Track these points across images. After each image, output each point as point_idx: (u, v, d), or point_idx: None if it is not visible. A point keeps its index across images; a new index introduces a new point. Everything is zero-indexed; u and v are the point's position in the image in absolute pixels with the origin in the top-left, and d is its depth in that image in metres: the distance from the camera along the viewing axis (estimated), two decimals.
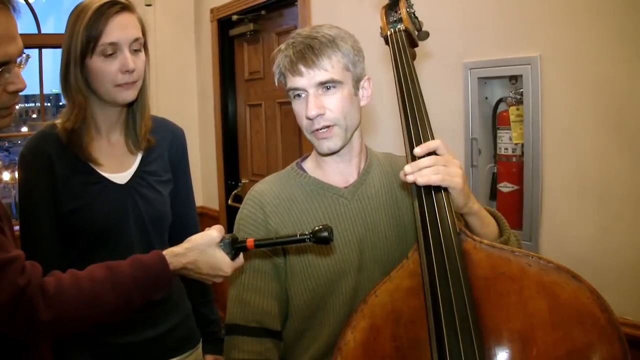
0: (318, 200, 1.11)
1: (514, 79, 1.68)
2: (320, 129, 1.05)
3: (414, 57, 1.12)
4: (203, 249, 0.97)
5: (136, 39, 1.17)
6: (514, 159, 1.69)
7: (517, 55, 1.61)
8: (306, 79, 1.03)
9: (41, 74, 3.20)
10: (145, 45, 1.21)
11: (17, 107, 0.97)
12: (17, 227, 1.12)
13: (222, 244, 0.99)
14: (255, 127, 3.14)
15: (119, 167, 1.24)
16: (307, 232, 0.95)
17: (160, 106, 2.97)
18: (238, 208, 1.17)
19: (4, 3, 0.84)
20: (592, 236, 1.47)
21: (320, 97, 1.04)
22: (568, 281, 0.80)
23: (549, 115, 1.56)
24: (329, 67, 1.03)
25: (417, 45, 1.18)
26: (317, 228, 0.94)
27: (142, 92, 1.24)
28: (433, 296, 0.83)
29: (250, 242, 0.98)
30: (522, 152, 1.65)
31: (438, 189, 0.91)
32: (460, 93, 1.79)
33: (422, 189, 0.92)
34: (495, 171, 1.77)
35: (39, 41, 3.11)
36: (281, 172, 1.18)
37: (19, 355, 0.97)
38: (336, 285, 1.08)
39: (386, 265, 1.08)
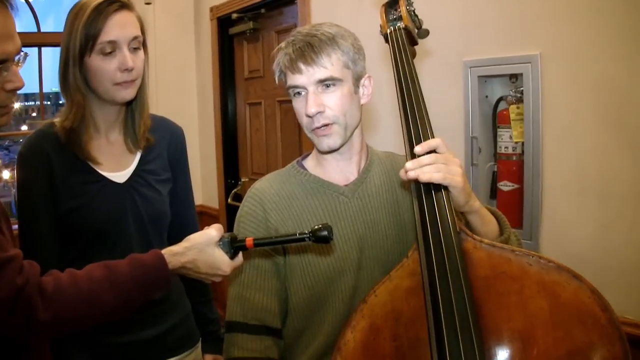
0: (318, 198, 1.10)
1: (514, 77, 1.68)
2: (320, 127, 1.05)
3: (413, 55, 1.11)
4: (202, 248, 0.97)
5: (135, 37, 1.16)
6: (514, 158, 1.69)
7: (517, 54, 1.61)
8: (306, 76, 1.03)
9: (41, 72, 3.19)
10: (144, 44, 1.21)
11: (17, 105, 0.97)
12: (15, 226, 1.12)
13: (221, 243, 0.99)
14: (255, 126, 3.13)
15: (117, 166, 1.24)
16: (306, 231, 0.95)
17: (159, 105, 2.97)
18: (238, 207, 1.17)
19: (1, 1, 0.83)
20: (592, 235, 1.47)
21: (319, 94, 1.04)
22: (569, 281, 0.80)
23: (549, 113, 1.55)
24: (328, 65, 1.03)
25: (417, 44, 1.17)
26: (316, 227, 0.94)
27: (141, 91, 1.23)
28: (433, 295, 0.83)
29: (249, 241, 0.98)
30: (523, 151, 1.65)
31: (438, 187, 0.91)
32: (461, 91, 1.79)
33: (422, 187, 0.92)
34: (496, 170, 1.77)
35: (38, 40, 3.10)
36: (281, 170, 1.18)
37: (18, 355, 0.97)
38: (335, 284, 1.08)
39: (386, 264, 1.08)
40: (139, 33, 1.18)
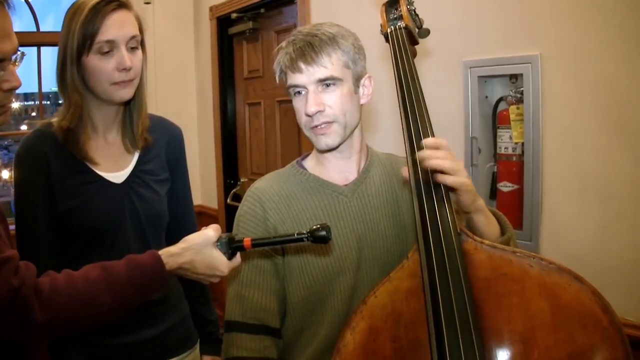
0: (318, 197, 1.10)
1: (514, 77, 1.67)
2: (319, 125, 1.05)
3: (414, 54, 1.11)
4: (199, 249, 0.96)
5: (133, 37, 1.15)
6: (514, 158, 1.69)
7: (517, 54, 1.61)
8: (306, 75, 1.04)
9: (40, 72, 3.19)
10: (142, 43, 1.20)
11: (16, 105, 0.96)
12: (13, 226, 1.11)
13: (218, 243, 0.98)
14: (255, 126, 3.13)
15: (115, 166, 1.23)
16: (304, 232, 0.95)
17: (159, 105, 2.96)
18: (237, 207, 1.16)
19: None
20: (592, 236, 1.47)
21: (319, 94, 1.04)
22: (570, 282, 0.80)
23: (549, 114, 1.55)
24: (328, 64, 1.03)
25: (417, 43, 1.17)
26: (315, 227, 0.94)
27: (139, 91, 1.23)
28: (433, 296, 0.82)
29: (247, 241, 0.98)
30: (523, 151, 1.64)
31: (438, 186, 0.91)
32: (460, 92, 1.78)
33: (422, 186, 0.92)
34: (495, 170, 1.76)
35: (37, 39, 3.10)
36: (281, 170, 1.18)
37: (14, 356, 0.97)
38: (334, 283, 1.08)
39: (385, 265, 1.08)
40: (137, 32, 1.17)
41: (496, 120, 1.75)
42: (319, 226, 0.94)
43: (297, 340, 1.11)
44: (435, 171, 0.91)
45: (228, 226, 1.20)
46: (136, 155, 1.26)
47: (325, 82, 1.04)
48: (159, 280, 0.95)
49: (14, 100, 0.96)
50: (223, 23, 3.19)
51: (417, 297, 0.87)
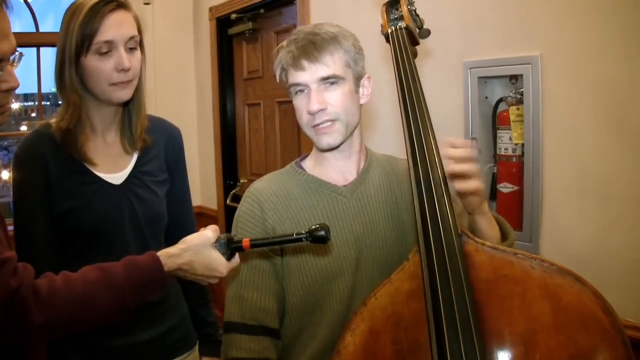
0: (316, 197, 1.10)
1: (514, 78, 1.67)
2: (321, 124, 1.05)
3: (415, 55, 1.11)
4: (198, 250, 0.96)
5: (132, 37, 1.15)
6: (514, 159, 1.68)
7: (517, 55, 1.60)
8: (308, 73, 1.04)
9: (39, 72, 3.19)
10: (141, 44, 1.20)
11: (16, 106, 0.96)
12: (11, 227, 1.11)
13: (217, 244, 0.98)
14: (254, 127, 3.12)
15: (114, 167, 1.23)
16: (303, 232, 0.94)
17: (158, 105, 2.96)
18: (236, 208, 1.16)
19: None
20: (592, 236, 1.46)
21: (322, 92, 1.05)
22: (572, 284, 0.79)
23: (549, 115, 1.55)
24: (330, 62, 1.04)
25: (418, 43, 1.17)
26: (314, 227, 0.94)
27: (138, 91, 1.22)
28: (434, 298, 0.82)
29: (246, 242, 0.97)
30: (523, 152, 1.64)
31: (439, 187, 0.91)
32: (460, 92, 1.78)
33: (423, 187, 0.92)
34: (495, 171, 1.76)
35: (37, 40, 3.10)
36: (280, 171, 1.18)
37: (13, 357, 0.96)
38: (333, 284, 1.08)
39: (385, 266, 1.08)
40: (136, 33, 1.17)
41: (496, 121, 1.75)
42: (318, 226, 0.93)
43: (296, 340, 1.11)
44: (455, 175, 0.92)
45: (227, 227, 1.20)
46: (135, 156, 1.26)
47: (329, 81, 1.05)
48: (158, 281, 0.94)
49: (13, 100, 0.95)
50: (222, 23, 3.19)
51: (417, 299, 0.86)
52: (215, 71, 3.24)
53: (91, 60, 1.12)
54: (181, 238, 0.99)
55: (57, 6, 3.57)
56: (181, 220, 1.34)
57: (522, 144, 1.63)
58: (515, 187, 1.67)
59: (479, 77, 1.73)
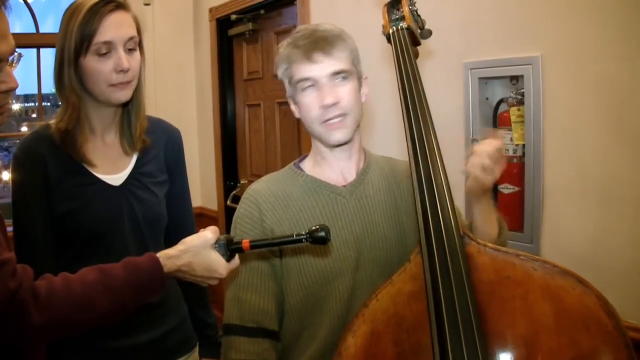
0: (315, 198, 1.10)
1: (515, 79, 1.66)
2: (332, 119, 1.05)
3: (416, 55, 1.11)
4: (197, 251, 0.95)
5: (131, 38, 1.15)
6: (514, 160, 1.67)
7: (518, 55, 1.60)
8: (321, 67, 1.05)
9: (39, 73, 3.19)
10: (140, 44, 1.19)
11: (17, 107, 0.96)
12: (10, 228, 1.10)
13: (217, 245, 0.97)
14: (254, 127, 3.12)
15: (113, 168, 1.22)
16: (303, 233, 0.94)
17: (158, 106, 2.95)
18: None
19: None
20: (593, 237, 1.46)
21: (333, 87, 1.05)
22: (574, 286, 0.79)
23: (550, 115, 1.54)
24: (342, 57, 1.06)
25: (419, 44, 1.17)
26: (314, 228, 0.93)
27: (137, 92, 1.22)
28: (436, 299, 0.82)
29: (245, 243, 0.97)
30: (523, 153, 1.63)
31: (441, 188, 0.91)
32: (461, 93, 1.77)
33: (425, 188, 0.92)
34: None
35: (37, 40, 3.10)
36: (278, 172, 1.18)
37: (11, 358, 0.96)
38: (333, 284, 1.07)
39: (384, 266, 1.08)
40: (135, 33, 1.16)
41: (497, 121, 1.74)
42: (318, 227, 0.93)
43: (296, 342, 1.11)
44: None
45: (228, 228, 1.20)
46: (134, 157, 1.25)
47: (340, 75, 1.06)
48: (157, 282, 0.94)
49: (14, 101, 0.95)
50: (223, 24, 3.19)
51: (419, 301, 0.86)
52: (216, 72, 3.24)
53: (90, 61, 1.12)
54: (181, 239, 0.98)
55: (58, 7, 3.56)
56: (181, 221, 1.34)
57: (523, 145, 1.63)
58: (516, 188, 1.67)
59: (480, 78, 1.72)
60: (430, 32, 1.17)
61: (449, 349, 0.77)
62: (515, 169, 1.67)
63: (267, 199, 1.10)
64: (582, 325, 0.77)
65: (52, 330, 0.87)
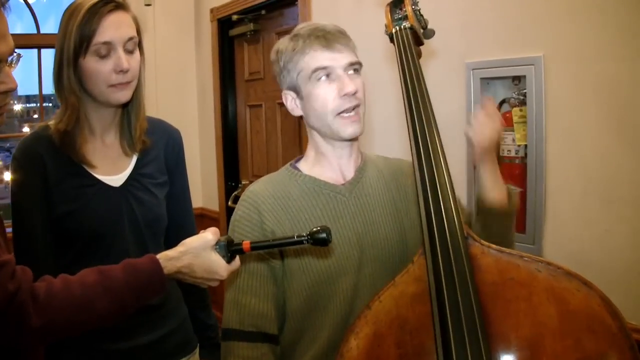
0: (315, 197, 1.09)
1: (517, 79, 1.66)
2: (350, 110, 1.06)
3: (419, 55, 1.11)
4: (198, 253, 0.95)
5: (130, 38, 1.14)
6: (517, 161, 1.67)
7: (520, 56, 1.59)
8: (341, 56, 1.06)
9: (40, 74, 3.19)
10: (140, 45, 1.19)
11: (18, 107, 0.95)
12: (10, 229, 1.10)
13: (217, 246, 0.97)
14: (256, 128, 3.12)
15: (113, 169, 1.22)
16: (304, 234, 0.93)
17: (159, 106, 2.95)
18: None
19: None
20: (595, 238, 1.45)
21: (350, 77, 1.06)
22: (579, 287, 0.78)
23: (552, 116, 1.54)
24: (354, 49, 1.09)
25: (422, 44, 1.17)
26: (314, 229, 0.92)
27: (137, 93, 1.21)
28: (439, 302, 0.81)
29: (246, 244, 0.96)
30: (526, 154, 1.63)
31: (445, 187, 0.91)
32: (463, 93, 1.77)
33: (428, 188, 0.92)
34: None
35: (38, 41, 3.10)
36: (275, 173, 1.17)
37: (11, 359, 0.95)
38: (336, 284, 1.06)
39: (386, 264, 1.08)
40: (135, 34, 1.16)
41: None
42: (319, 228, 0.92)
43: (297, 343, 1.10)
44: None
45: (229, 228, 1.19)
46: (134, 158, 1.25)
47: (354, 67, 1.07)
48: (157, 284, 0.93)
49: (15, 102, 0.94)
50: (224, 25, 3.18)
51: (422, 303, 0.86)
52: (217, 72, 3.24)
53: (89, 62, 1.12)
54: (181, 240, 0.98)
55: (59, 7, 3.56)
56: (181, 223, 1.33)
57: (525, 146, 1.62)
58: (519, 189, 1.66)
59: (482, 78, 1.72)
60: (433, 32, 1.17)
61: (453, 351, 0.76)
62: (518, 169, 1.66)
63: (266, 200, 1.09)
64: (586, 327, 0.76)
65: (51, 331, 0.87)
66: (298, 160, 1.18)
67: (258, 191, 1.10)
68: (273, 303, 1.07)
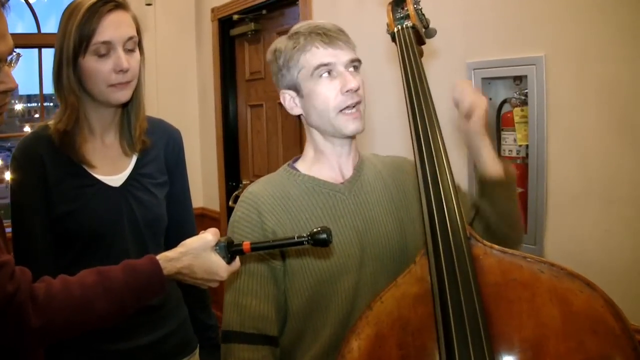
0: (315, 197, 1.09)
1: (519, 79, 1.65)
2: (352, 106, 1.06)
3: (421, 54, 1.10)
4: (198, 253, 0.94)
5: (130, 38, 1.14)
6: (518, 161, 1.66)
7: (521, 55, 1.59)
8: (343, 53, 1.06)
9: (41, 73, 3.19)
10: (140, 44, 1.18)
11: (19, 107, 0.95)
12: (9, 229, 1.10)
13: (217, 247, 0.96)
14: (256, 128, 3.11)
15: (113, 170, 1.21)
16: (304, 235, 0.93)
17: (160, 106, 2.95)
18: None
19: None
20: (596, 239, 1.45)
21: (352, 74, 1.07)
22: (582, 289, 0.78)
23: (554, 116, 1.53)
24: (354, 47, 1.09)
25: (424, 43, 1.16)
26: (315, 230, 0.92)
27: (137, 92, 1.21)
28: (442, 303, 0.81)
29: (246, 245, 0.96)
30: (527, 154, 1.62)
31: (447, 188, 0.90)
32: None
33: (430, 188, 0.91)
34: None
35: (39, 41, 3.10)
36: (274, 174, 1.16)
37: None
38: (337, 283, 1.06)
39: (387, 262, 1.08)
40: (134, 33, 1.15)
41: (500, 122, 1.73)
42: (319, 229, 0.92)
43: (299, 343, 1.10)
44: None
45: (228, 229, 1.19)
46: (134, 158, 1.24)
47: (354, 64, 1.08)
48: (157, 285, 0.93)
49: (16, 102, 0.94)
50: (225, 24, 3.18)
51: (424, 303, 0.85)
52: (218, 72, 3.23)
53: (89, 61, 1.11)
54: (181, 241, 0.97)
55: (59, 7, 3.56)
56: (181, 223, 1.33)
57: (527, 146, 1.62)
58: (519, 189, 1.66)
59: (483, 78, 1.71)
60: (435, 31, 1.16)
61: (456, 352, 0.76)
62: (519, 169, 1.66)
63: (266, 201, 1.08)
64: (590, 328, 0.76)
65: (50, 332, 0.86)
66: (296, 161, 1.17)
67: (257, 192, 1.10)
68: (274, 304, 1.07)
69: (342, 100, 1.05)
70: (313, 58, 1.06)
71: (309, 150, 1.15)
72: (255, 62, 3.07)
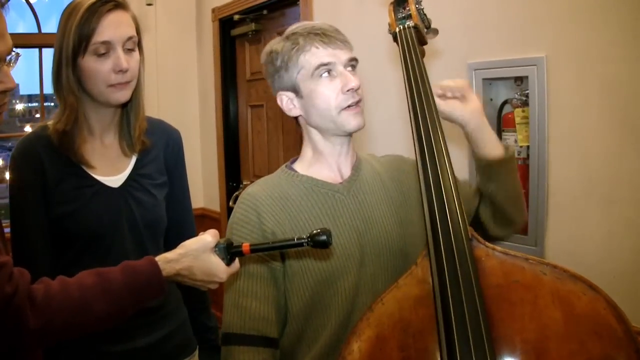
0: (314, 197, 1.09)
1: (520, 80, 1.65)
2: (354, 104, 1.06)
3: (423, 54, 1.10)
4: (197, 255, 0.94)
5: (130, 38, 1.13)
6: (519, 162, 1.66)
7: (522, 56, 1.58)
8: (342, 52, 1.07)
9: (41, 73, 3.19)
10: (139, 44, 1.18)
11: (20, 107, 0.95)
12: (8, 229, 1.09)
13: (217, 249, 0.96)
14: (257, 128, 3.11)
15: (112, 170, 1.21)
16: (304, 236, 0.92)
17: (161, 106, 2.95)
18: None
19: None
20: (597, 240, 1.45)
21: (351, 73, 1.08)
22: (584, 291, 0.77)
23: (555, 117, 1.53)
24: (351, 46, 1.10)
25: (426, 43, 1.16)
26: (315, 232, 0.92)
27: (137, 93, 1.21)
28: (444, 304, 0.80)
29: (246, 246, 0.95)
30: (528, 155, 1.62)
31: (449, 189, 0.90)
32: None
33: (432, 189, 0.91)
34: None
35: (39, 41, 3.11)
36: (272, 175, 1.16)
37: None
38: (338, 283, 1.06)
39: (387, 262, 1.08)
40: (134, 33, 1.15)
41: (501, 123, 1.73)
42: (319, 230, 0.92)
43: (299, 343, 1.09)
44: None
45: (227, 231, 1.19)
46: (134, 159, 1.24)
47: (352, 63, 1.09)
48: (156, 287, 0.93)
49: (17, 101, 0.94)
50: (225, 25, 3.18)
51: (426, 305, 0.85)
52: (218, 72, 3.23)
53: (88, 61, 1.11)
54: (181, 241, 0.97)
55: (60, 7, 3.54)
56: (181, 224, 1.33)
57: (528, 147, 1.62)
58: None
59: (484, 79, 1.71)
60: (436, 31, 1.16)
61: (457, 354, 0.76)
62: (520, 171, 1.65)
63: (265, 202, 1.08)
64: (592, 331, 0.75)
65: (49, 334, 0.86)
66: (293, 162, 1.17)
67: (256, 193, 1.10)
68: (274, 306, 1.06)
69: (343, 99, 1.06)
70: (313, 58, 1.05)
71: (306, 151, 1.15)
72: (255, 62, 3.07)
